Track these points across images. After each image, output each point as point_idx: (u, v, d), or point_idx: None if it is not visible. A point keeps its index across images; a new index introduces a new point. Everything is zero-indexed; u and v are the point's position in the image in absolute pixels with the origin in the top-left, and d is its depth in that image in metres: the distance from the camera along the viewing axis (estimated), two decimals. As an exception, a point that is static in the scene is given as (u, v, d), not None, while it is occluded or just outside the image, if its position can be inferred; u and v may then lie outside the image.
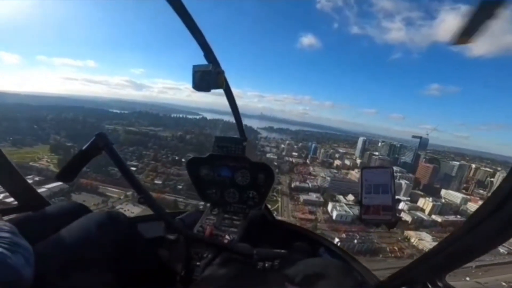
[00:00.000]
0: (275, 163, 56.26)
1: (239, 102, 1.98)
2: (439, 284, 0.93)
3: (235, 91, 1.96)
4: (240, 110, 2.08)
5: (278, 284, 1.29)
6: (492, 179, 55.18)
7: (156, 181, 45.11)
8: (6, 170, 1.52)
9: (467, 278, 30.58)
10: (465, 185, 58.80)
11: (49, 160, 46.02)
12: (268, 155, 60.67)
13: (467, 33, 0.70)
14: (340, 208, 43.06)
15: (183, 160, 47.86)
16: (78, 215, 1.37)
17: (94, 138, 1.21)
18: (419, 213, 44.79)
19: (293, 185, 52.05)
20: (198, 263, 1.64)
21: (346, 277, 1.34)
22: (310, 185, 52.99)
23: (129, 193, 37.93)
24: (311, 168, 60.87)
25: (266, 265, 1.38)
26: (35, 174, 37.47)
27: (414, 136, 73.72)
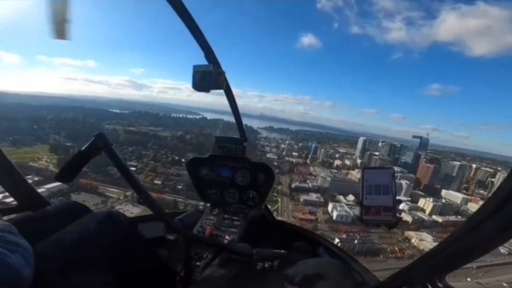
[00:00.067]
0: (275, 163, 56.16)
1: (239, 102, 1.98)
2: (439, 284, 0.93)
3: (235, 91, 1.97)
4: (240, 110, 2.09)
5: (278, 284, 1.29)
6: (492, 179, 54.95)
7: (155, 181, 44.99)
8: (6, 170, 1.52)
9: (468, 279, 30.47)
10: (465, 185, 58.52)
11: (48, 160, 45.97)
12: (268, 155, 60.50)
13: None
14: (341, 208, 42.91)
15: (183, 160, 47.82)
16: (78, 215, 1.38)
17: (93, 139, 1.22)
18: (419, 214, 44.64)
19: (293, 185, 51.90)
20: (198, 263, 1.64)
21: (346, 277, 1.33)
22: (310, 185, 52.82)
23: (128, 193, 37.84)
24: (311, 168, 60.69)
25: (266, 265, 1.38)
26: (34, 174, 37.39)
27: (414, 136, 73.40)
